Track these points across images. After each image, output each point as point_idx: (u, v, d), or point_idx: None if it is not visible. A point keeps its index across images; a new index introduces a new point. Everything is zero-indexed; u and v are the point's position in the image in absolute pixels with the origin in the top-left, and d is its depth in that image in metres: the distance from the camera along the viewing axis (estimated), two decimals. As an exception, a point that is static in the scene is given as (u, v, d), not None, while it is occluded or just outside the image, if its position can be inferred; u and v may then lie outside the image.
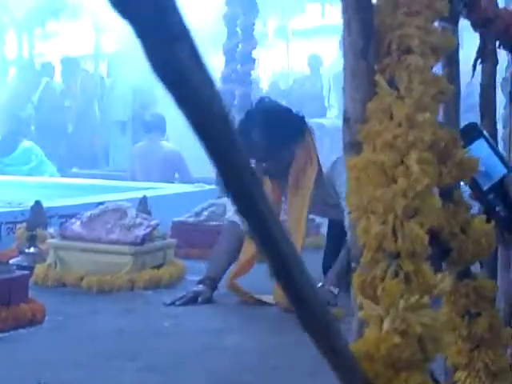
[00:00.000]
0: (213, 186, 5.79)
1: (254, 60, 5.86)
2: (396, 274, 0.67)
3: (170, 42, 0.34)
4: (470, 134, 0.99)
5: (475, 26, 1.19)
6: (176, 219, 4.52)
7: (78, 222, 3.73)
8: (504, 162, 0.98)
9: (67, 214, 4.24)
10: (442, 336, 0.66)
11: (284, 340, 2.58)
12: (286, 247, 0.50)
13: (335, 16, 9.01)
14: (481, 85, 1.25)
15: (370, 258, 0.69)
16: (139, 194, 4.53)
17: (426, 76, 0.74)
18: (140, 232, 3.64)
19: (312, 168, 2.79)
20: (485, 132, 1.01)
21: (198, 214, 4.48)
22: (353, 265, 0.70)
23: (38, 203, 4.06)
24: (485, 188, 0.96)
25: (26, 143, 7.48)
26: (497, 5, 1.25)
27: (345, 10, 0.74)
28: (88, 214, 3.76)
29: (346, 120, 0.75)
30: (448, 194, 0.88)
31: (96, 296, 3.33)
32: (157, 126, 6.38)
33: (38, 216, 4.01)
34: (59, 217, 4.36)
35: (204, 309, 3.09)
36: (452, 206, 0.87)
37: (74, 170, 7.69)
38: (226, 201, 4.68)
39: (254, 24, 5.94)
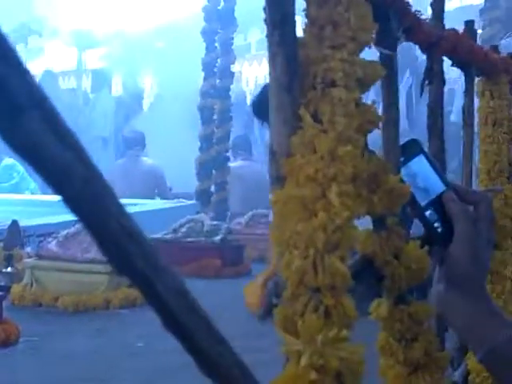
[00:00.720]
0: (193, 201, 5.80)
1: (232, 74, 5.88)
2: (316, 309, 0.68)
3: (15, 113, 0.34)
4: (410, 149, 1.00)
5: (421, 47, 1.20)
6: (154, 236, 4.52)
7: (54, 242, 3.73)
8: (443, 178, 0.98)
9: (45, 233, 4.24)
10: (361, 370, 0.66)
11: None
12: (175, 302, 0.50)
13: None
14: (428, 105, 1.27)
15: (292, 292, 0.69)
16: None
17: (349, 109, 0.75)
18: (116, 250, 3.64)
19: None
20: (425, 148, 1.01)
21: (175, 231, 4.49)
22: (274, 301, 0.70)
23: (14, 223, 4.05)
24: (423, 204, 0.97)
25: (8, 160, 7.46)
26: (443, 26, 1.26)
27: (270, 45, 0.75)
28: (64, 233, 3.76)
29: (272, 153, 0.76)
30: (381, 221, 0.88)
31: (72, 316, 3.33)
32: (136, 142, 6.38)
33: (14, 236, 4.00)
34: (37, 236, 4.35)
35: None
36: (385, 233, 0.88)
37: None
38: (205, 217, 4.69)
39: (232, 38, 5.96)
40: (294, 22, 0.75)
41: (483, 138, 1.62)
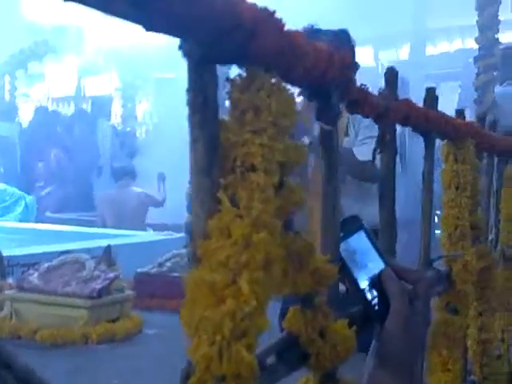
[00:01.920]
0: (181, 234, 5.79)
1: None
2: (219, 397, 0.68)
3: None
4: (350, 226, 1.01)
5: (370, 117, 1.21)
6: (139, 270, 4.51)
7: (36, 274, 3.73)
8: (382, 256, 0.99)
9: (29, 263, 4.23)
10: None
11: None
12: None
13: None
14: (379, 175, 1.28)
15: (197, 379, 0.70)
16: (107, 242, 4.53)
17: (267, 194, 0.76)
18: (97, 285, 3.64)
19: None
20: (365, 225, 1.03)
21: (160, 265, 4.49)
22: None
23: (-3, 252, 4.05)
24: (360, 280, 0.98)
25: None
26: (396, 97, 1.28)
27: (190, 127, 0.76)
28: (46, 265, 3.76)
29: (190, 233, 0.77)
30: (307, 300, 0.89)
31: (49, 350, 3.32)
32: (126, 173, 6.41)
33: (-3, 265, 4.00)
34: (21, 266, 4.34)
35: (153, 369, 3.07)
36: (310, 312, 0.88)
37: (48, 213, 7.68)
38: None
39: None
40: (216, 105, 0.76)
41: (446, 201, 1.63)
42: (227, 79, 0.80)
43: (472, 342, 1.87)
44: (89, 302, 3.58)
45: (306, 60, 0.89)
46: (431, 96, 1.51)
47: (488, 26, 5.26)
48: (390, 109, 1.22)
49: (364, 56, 10.12)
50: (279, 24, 0.80)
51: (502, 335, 2.23)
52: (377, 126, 2.90)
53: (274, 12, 0.79)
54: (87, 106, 11.11)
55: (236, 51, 0.75)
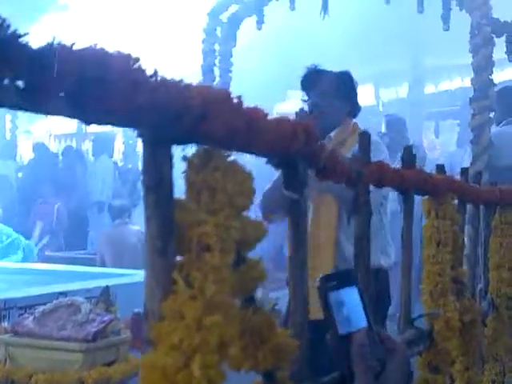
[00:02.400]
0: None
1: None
2: None
3: None
4: (346, 277, 1.01)
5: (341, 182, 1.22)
6: (136, 310, 4.49)
7: (31, 318, 3.71)
8: (368, 317, 0.99)
9: (26, 305, 4.22)
10: None
11: None
12: None
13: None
14: (355, 237, 1.28)
15: None
16: (106, 282, 4.51)
17: (221, 275, 0.77)
18: (92, 328, 3.61)
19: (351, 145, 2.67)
20: (359, 283, 1.03)
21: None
22: None
23: (-7, 295, 4.04)
24: (340, 332, 0.98)
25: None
26: (368, 160, 1.29)
27: (145, 207, 0.77)
28: (41, 309, 3.74)
29: (145, 314, 0.77)
30: (269, 375, 0.89)
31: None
32: (124, 211, 6.40)
33: (-7, 309, 3.99)
34: (18, 308, 4.33)
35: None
36: (274, 388, 0.88)
37: (47, 253, 7.66)
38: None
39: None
40: (171, 185, 0.77)
41: (426, 257, 1.63)
42: (183, 158, 0.81)
43: (459, 398, 1.86)
44: (84, 346, 3.55)
45: (267, 136, 0.90)
46: (408, 154, 1.52)
47: (482, 67, 5.29)
48: (363, 173, 1.23)
49: (365, 94, 10.20)
50: (235, 104, 0.81)
51: (492, 387, 2.21)
52: (382, 149, 2.86)
53: (229, 93, 0.80)
54: (89, 143, 11.16)
55: (188, 133, 0.76)
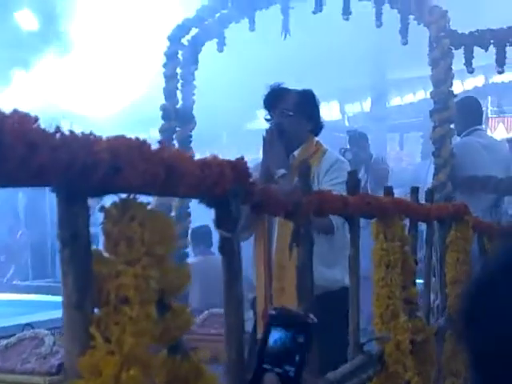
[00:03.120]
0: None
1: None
2: None
3: None
4: (294, 322, 1.00)
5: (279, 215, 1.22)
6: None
7: (-6, 352, 3.65)
8: (299, 368, 0.98)
9: (-8, 338, 4.15)
10: None
11: None
12: None
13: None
14: (297, 267, 1.28)
15: None
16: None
17: (141, 327, 0.75)
18: (56, 361, 3.56)
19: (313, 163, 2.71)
20: (308, 331, 1.01)
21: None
22: None
23: (-43, 329, 3.97)
24: (264, 365, 0.97)
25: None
26: (308, 190, 1.28)
27: (61, 262, 0.76)
28: (4, 342, 3.68)
29: (64, 372, 0.75)
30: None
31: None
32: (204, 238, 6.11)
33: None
34: (-16, 341, 4.25)
35: None
36: None
37: (15, 282, 7.56)
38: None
39: (190, 136, 6.01)
40: (88, 238, 0.76)
41: (376, 281, 1.63)
42: (100, 209, 0.80)
43: (416, 417, 1.86)
44: (48, 379, 3.50)
45: (191, 179, 0.89)
46: (353, 179, 1.52)
47: (442, 79, 5.34)
48: (302, 204, 1.22)
49: (330, 110, 10.26)
50: (151, 152, 0.80)
51: (452, 403, 2.22)
52: (346, 168, 2.86)
53: (142, 142, 0.79)
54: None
55: (102, 186, 0.75)
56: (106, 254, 0.78)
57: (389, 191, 1.71)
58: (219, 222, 1.03)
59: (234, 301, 1.03)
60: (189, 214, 5.92)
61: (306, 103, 2.92)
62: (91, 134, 0.73)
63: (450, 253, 2.32)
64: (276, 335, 0.99)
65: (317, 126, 2.98)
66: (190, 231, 5.91)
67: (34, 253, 8.21)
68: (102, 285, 0.76)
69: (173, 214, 5.76)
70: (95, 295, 0.76)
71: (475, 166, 5.01)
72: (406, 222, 1.90)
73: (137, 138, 0.79)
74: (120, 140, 0.76)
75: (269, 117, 2.95)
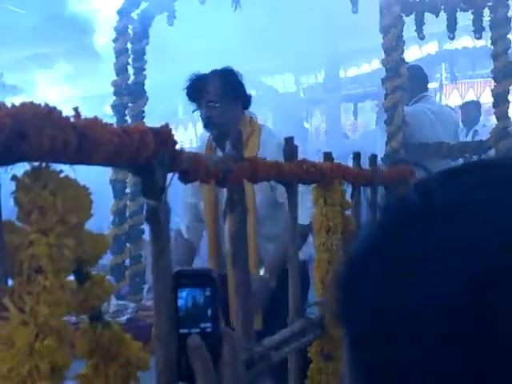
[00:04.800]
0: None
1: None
2: None
3: None
4: (201, 278, 0.98)
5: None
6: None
7: None
8: (216, 318, 0.97)
9: None
10: None
11: None
12: None
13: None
14: (229, 233, 1.27)
15: None
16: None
17: (55, 296, 0.74)
18: None
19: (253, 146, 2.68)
20: (216, 285, 0.99)
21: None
22: None
23: None
24: (181, 330, 0.95)
25: None
26: (241, 157, 1.28)
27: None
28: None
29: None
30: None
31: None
32: None
33: None
34: None
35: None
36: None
37: None
38: (111, 297, 4.60)
39: (143, 111, 5.95)
40: (-1, 207, 0.74)
41: (317, 245, 1.64)
42: (12, 178, 0.78)
43: None
44: None
45: (107, 147, 0.87)
46: (290, 146, 1.52)
47: (393, 47, 5.35)
48: (233, 171, 1.21)
49: (285, 82, 10.23)
50: (60, 119, 0.79)
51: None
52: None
53: (51, 109, 0.78)
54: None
55: (8, 152, 0.73)
56: (19, 225, 0.77)
57: (328, 156, 1.71)
58: (145, 191, 1.02)
59: (163, 272, 1.02)
60: (144, 192, 5.84)
61: (229, 85, 2.82)
62: (-8, 101, 0.72)
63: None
64: (184, 296, 0.98)
65: (245, 100, 2.92)
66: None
67: None
68: (15, 255, 0.75)
69: (128, 190, 5.73)
70: (8, 266, 0.75)
71: (426, 133, 5.06)
72: (350, 188, 1.91)
73: (46, 105, 0.78)
74: (26, 106, 0.74)
75: (195, 107, 2.89)
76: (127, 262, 5.63)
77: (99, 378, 0.84)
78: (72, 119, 0.81)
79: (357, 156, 1.94)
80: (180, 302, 0.96)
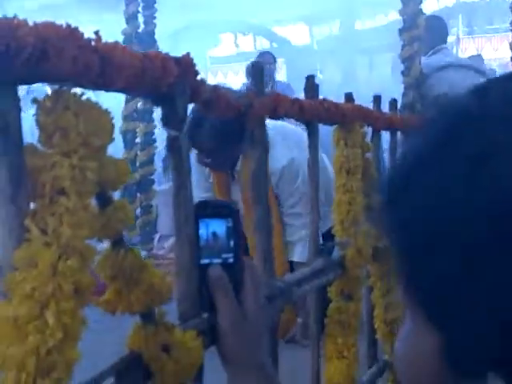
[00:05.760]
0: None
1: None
2: None
3: None
4: (222, 209, 0.97)
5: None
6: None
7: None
8: (237, 250, 0.96)
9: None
10: None
11: None
12: None
13: (247, 44, 9.24)
14: (252, 174, 1.25)
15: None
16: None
17: (78, 218, 0.73)
18: None
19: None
20: (237, 218, 0.98)
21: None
22: None
23: None
24: (202, 261, 0.95)
25: None
26: (262, 92, 1.26)
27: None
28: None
29: (0, 268, 0.73)
30: (147, 315, 0.87)
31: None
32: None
33: None
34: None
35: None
36: (152, 328, 0.86)
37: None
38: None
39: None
40: (19, 128, 0.73)
41: (337, 187, 1.62)
42: (33, 101, 0.77)
43: (379, 322, 1.88)
44: None
45: (129, 71, 0.85)
46: (311, 84, 1.49)
47: (411, -3, 5.25)
48: (254, 105, 1.19)
49: (298, 34, 10.11)
50: (83, 40, 0.77)
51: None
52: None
53: (74, 29, 0.76)
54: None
55: (29, 73, 0.71)
56: (40, 148, 0.75)
57: (349, 97, 1.68)
58: (166, 121, 1.00)
59: (184, 202, 1.00)
60: (154, 141, 5.87)
61: (226, 139, 2.70)
62: (15, 17, 0.70)
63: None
64: (205, 227, 0.97)
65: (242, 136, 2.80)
66: (157, 157, 5.88)
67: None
68: (37, 178, 0.74)
69: (138, 140, 5.71)
70: (30, 189, 0.74)
71: (444, 85, 5.00)
72: (370, 131, 1.88)
73: (68, 25, 0.76)
74: (48, 25, 0.72)
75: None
76: (138, 211, 5.64)
77: (122, 303, 0.83)
78: (93, 42, 0.79)
79: (377, 99, 1.91)
80: (201, 233, 0.96)
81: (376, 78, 8.87)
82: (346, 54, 7.52)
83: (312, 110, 1.41)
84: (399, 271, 0.53)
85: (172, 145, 1.00)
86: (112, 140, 0.80)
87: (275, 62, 6.12)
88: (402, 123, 2.02)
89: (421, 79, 5.06)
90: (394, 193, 0.52)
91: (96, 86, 0.82)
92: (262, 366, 0.92)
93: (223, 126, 2.65)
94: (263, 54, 6.18)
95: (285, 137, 2.84)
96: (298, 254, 2.94)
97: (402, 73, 5.21)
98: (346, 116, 1.58)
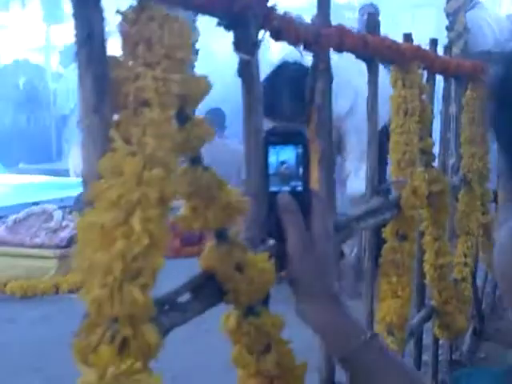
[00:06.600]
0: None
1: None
2: (112, 339, 0.66)
3: None
4: (293, 137, 0.96)
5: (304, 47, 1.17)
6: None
7: (3, 227, 3.69)
8: (305, 180, 0.95)
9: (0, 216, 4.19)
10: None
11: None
12: None
13: None
14: (317, 105, 1.24)
15: (90, 322, 0.68)
16: (79, 192, 4.48)
17: (161, 129, 0.73)
18: (66, 234, 3.61)
19: None
20: (306, 145, 0.97)
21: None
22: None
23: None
24: (271, 188, 0.94)
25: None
26: (328, 24, 1.24)
27: (78, 64, 0.72)
28: (13, 217, 3.72)
29: (83, 177, 0.73)
30: (222, 234, 0.87)
31: (19, 301, 3.30)
32: (216, 123, 6.03)
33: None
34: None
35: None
36: (226, 246, 0.86)
37: (21, 165, 7.53)
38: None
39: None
40: (103, 38, 0.72)
41: (394, 127, 1.60)
42: (117, 12, 0.76)
43: (429, 267, 1.87)
44: (58, 252, 3.56)
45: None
46: (373, 21, 1.46)
47: (457, -50, 5.14)
48: (321, 35, 1.17)
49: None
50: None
51: (465, 259, 2.23)
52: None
53: None
54: (56, 56, 10.85)
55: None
56: (122, 58, 0.75)
57: (408, 38, 1.65)
58: (238, 45, 0.99)
59: (254, 127, 1.00)
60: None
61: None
62: None
63: (466, 113, 2.28)
64: (275, 154, 0.96)
65: None
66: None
67: (38, 137, 8.16)
68: (120, 89, 0.73)
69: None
70: (114, 99, 0.73)
71: (486, 41, 4.91)
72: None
73: None
74: None
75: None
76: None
77: (198, 219, 0.83)
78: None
79: (434, 41, 1.88)
80: (271, 160, 0.95)
81: (418, 34, 8.72)
82: (388, 8, 7.38)
83: (375, 46, 1.39)
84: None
85: (244, 69, 0.99)
86: (192, 54, 0.79)
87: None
88: (457, 68, 1.98)
89: (465, 34, 4.96)
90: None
91: (177, 4, 0.81)
92: (331, 292, 0.92)
93: (299, 85, 2.62)
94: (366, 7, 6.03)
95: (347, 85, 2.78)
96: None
97: (446, 28, 5.12)
98: (405, 55, 1.55)
